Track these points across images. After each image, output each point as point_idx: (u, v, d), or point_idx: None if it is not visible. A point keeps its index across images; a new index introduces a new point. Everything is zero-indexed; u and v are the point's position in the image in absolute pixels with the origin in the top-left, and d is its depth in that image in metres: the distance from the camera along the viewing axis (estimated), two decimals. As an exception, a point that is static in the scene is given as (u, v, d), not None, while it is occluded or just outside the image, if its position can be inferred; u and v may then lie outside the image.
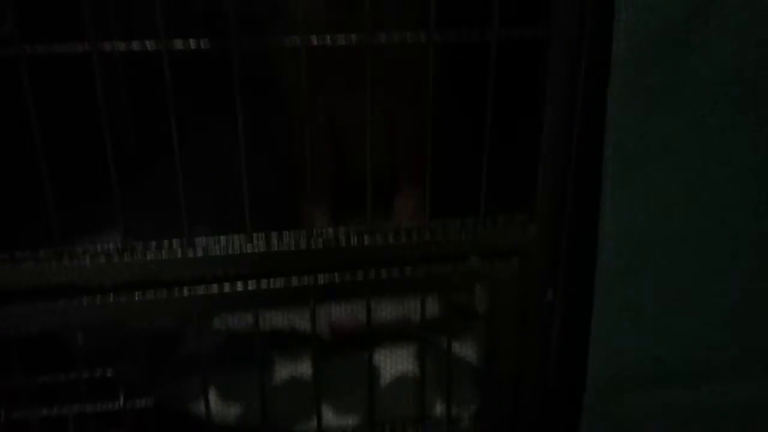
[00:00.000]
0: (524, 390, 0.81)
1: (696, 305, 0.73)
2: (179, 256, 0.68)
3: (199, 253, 0.68)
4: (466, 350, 0.94)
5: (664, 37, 0.62)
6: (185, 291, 0.69)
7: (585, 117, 0.68)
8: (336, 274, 0.71)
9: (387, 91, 0.74)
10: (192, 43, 0.59)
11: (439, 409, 0.88)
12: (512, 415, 0.82)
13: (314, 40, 0.61)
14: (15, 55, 0.57)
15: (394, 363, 0.93)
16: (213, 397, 0.87)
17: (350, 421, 0.88)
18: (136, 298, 0.68)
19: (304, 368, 0.92)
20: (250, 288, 0.70)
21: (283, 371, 0.92)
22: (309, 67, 0.63)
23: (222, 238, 0.68)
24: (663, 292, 0.72)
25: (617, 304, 0.71)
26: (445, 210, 0.72)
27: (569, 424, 0.80)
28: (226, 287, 0.70)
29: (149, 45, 0.58)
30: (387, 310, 0.96)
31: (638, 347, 0.74)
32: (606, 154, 0.66)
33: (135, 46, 0.58)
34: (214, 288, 0.69)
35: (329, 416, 0.87)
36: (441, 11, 0.62)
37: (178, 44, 0.59)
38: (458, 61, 0.72)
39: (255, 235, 0.69)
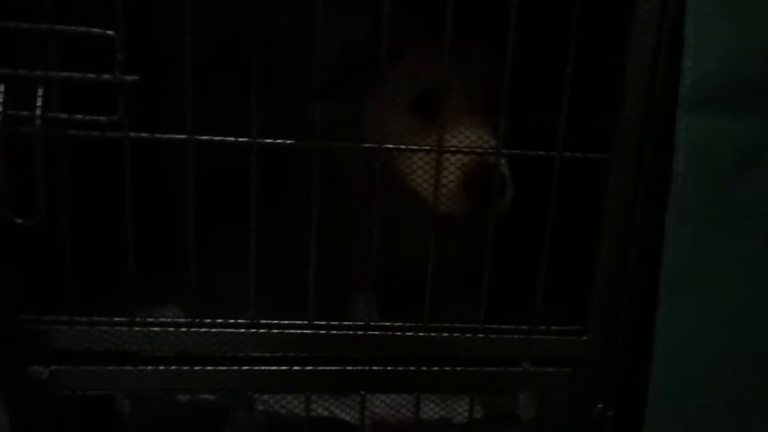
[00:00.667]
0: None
1: (747, 424, 0.72)
2: (243, 331, 0.71)
3: (262, 331, 0.71)
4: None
5: (722, 168, 0.65)
6: (243, 367, 0.72)
7: (642, 235, 0.70)
8: (388, 366, 0.73)
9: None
10: (279, 140, 0.64)
11: None
12: None
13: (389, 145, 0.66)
14: (120, 139, 0.63)
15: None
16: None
17: None
18: (197, 369, 0.71)
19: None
20: (304, 370, 0.73)
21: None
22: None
23: (284, 321, 0.71)
24: (714, 411, 0.71)
25: (668, 423, 0.71)
26: (500, 316, 0.74)
27: None
28: (282, 368, 0.72)
29: (242, 140, 0.63)
30: (430, 410, 0.96)
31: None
32: (662, 273, 0.67)
33: (229, 139, 0.64)
34: (272, 367, 0.72)
35: None
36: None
37: (267, 141, 0.64)
38: (523, 173, 0.75)
39: (315, 321, 0.72)
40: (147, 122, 0.66)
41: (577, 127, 0.68)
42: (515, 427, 0.98)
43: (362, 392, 0.74)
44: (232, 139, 0.65)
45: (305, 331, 0.72)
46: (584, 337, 0.74)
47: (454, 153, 0.74)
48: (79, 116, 0.62)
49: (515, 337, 0.73)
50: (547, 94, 0.70)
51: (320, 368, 0.73)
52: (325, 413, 0.98)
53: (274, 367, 0.72)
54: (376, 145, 0.67)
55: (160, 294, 1.03)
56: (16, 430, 0.67)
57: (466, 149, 0.74)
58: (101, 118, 0.62)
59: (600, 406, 0.75)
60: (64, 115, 0.62)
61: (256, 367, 0.72)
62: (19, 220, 0.63)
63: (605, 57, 0.69)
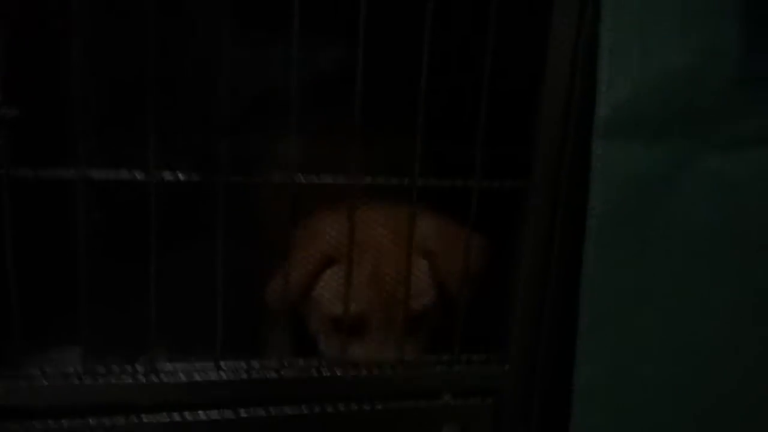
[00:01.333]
0: None
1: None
2: (142, 381, 0.65)
3: (164, 379, 0.65)
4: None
5: (639, 195, 0.65)
6: (144, 418, 0.66)
7: (561, 263, 0.69)
8: (303, 405, 0.69)
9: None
10: (181, 175, 0.59)
11: None
12: None
13: (302, 179, 0.62)
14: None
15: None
16: None
17: None
18: (92, 423, 0.65)
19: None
20: (212, 417, 0.68)
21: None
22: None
23: (186, 365, 0.66)
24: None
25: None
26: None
27: None
28: (187, 416, 0.67)
29: (138, 175, 0.58)
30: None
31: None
32: (580, 305, 0.67)
33: (124, 175, 0.58)
34: (175, 416, 0.67)
35: None
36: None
37: (168, 176, 0.59)
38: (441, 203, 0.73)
39: (222, 363, 0.67)
40: (35, 157, 0.60)
41: (495, 156, 0.67)
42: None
43: (276, 435, 0.70)
44: (128, 174, 0.59)
45: (211, 378, 0.67)
46: (505, 366, 0.73)
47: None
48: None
49: (437, 368, 0.71)
50: (462, 124, 0.69)
51: (226, 415, 0.68)
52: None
53: (177, 417, 0.67)
54: (288, 180, 0.63)
55: (59, 335, 0.96)
56: None
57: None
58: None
59: (521, 434, 0.74)
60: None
61: (158, 418, 0.67)
62: None
63: (520, 86, 0.68)
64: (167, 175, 0.59)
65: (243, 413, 0.68)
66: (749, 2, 0.62)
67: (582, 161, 0.65)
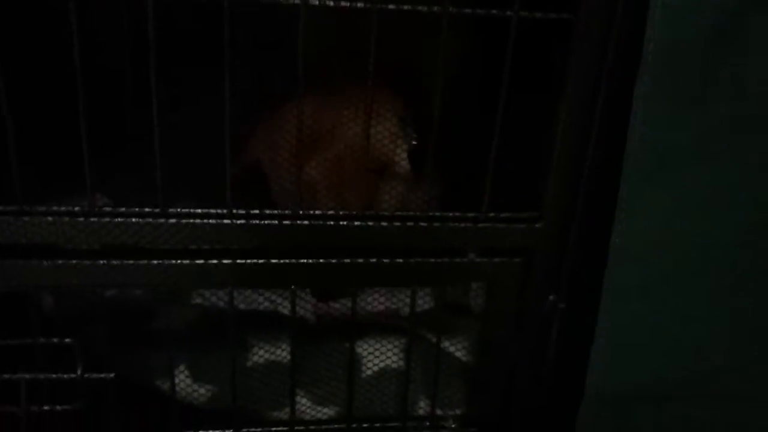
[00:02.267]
0: (515, 395, 0.76)
1: (705, 321, 0.68)
2: (153, 222, 0.62)
3: (179, 222, 0.62)
4: (457, 348, 0.89)
5: (698, 36, 0.56)
6: (157, 261, 0.64)
7: (606, 114, 0.62)
8: (321, 258, 0.66)
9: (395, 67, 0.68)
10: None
11: (422, 406, 0.83)
12: (500, 420, 0.78)
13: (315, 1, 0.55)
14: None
15: (379, 355, 0.88)
16: (184, 375, 0.82)
17: (327, 411, 0.83)
18: (103, 263, 0.63)
19: (283, 353, 0.87)
20: (226, 263, 0.65)
21: (260, 354, 0.87)
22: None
23: (201, 210, 0.63)
24: (672, 305, 0.66)
25: (623, 316, 0.66)
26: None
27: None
28: (203, 261, 0.64)
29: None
30: (374, 300, 0.91)
31: (641, 361, 0.69)
32: (627, 157, 0.60)
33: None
34: (191, 261, 0.64)
35: (305, 405, 0.83)
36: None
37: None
38: (474, 38, 0.65)
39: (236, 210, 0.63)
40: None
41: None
42: (465, 318, 0.94)
43: (292, 287, 0.67)
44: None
45: (225, 221, 0.63)
46: (537, 225, 0.67)
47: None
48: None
49: (462, 225, 0.66)
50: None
51: (245, 261, 0.65)
52: (267, 306, 0.92)
53: (198, 261, 0.64)
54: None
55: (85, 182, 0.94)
56: None
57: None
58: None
59: (551, 297, 0.70)
60: None
61: (172, 262, 0.64)
62: None
63: None
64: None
65: (254, 261, 0.65)
66: None
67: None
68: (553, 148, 0.64)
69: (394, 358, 0.89)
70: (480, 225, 0.66)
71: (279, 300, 0.92)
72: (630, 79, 0.59)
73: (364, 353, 0.88)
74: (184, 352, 0.77)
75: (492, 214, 0.66)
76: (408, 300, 0.93)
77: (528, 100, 0.65)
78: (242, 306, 0.90)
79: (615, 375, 0.69)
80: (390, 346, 0.90)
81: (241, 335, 0.89)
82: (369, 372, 0.87)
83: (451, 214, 0.66)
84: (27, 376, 0.66)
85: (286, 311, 0.89)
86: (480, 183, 0.65)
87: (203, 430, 0.74)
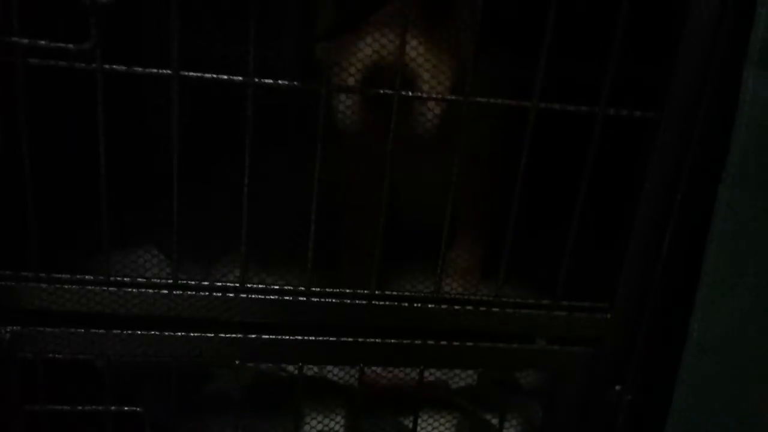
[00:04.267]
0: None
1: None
2: (231, 296, 0.63)
3: (252, 295, 0.63)
4: (511, 424, 0.88)
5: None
6: (229, 334, 0.64)
7: (685, 208, 0.62)
8: (391, 338, 0.66)
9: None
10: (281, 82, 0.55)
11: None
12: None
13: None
14: (92, 71, 0.54)
15: (431, 430, 0.87)
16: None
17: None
18: (177, 335, 0.64)
19: (335, 424, 0.87)
20: (298, 339, 0.65)
21: (313, 425, 0.86)
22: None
23: (278, 287, 0.64)
24: (746, 407, 0.65)
25: (696, 414, 0.65)
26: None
27: None
28: (273, 336, 0.65)
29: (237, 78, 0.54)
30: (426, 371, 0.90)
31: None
32: (706, 255, 0.60)
33: (222, 77, 0.54)
34: (262, 335, 0.65)
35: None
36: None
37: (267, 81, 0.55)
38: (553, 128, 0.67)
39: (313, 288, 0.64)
40: (125, 52, 0.56)
41: (622, 79, 0.59)
42: (517, 394, 0.93)
43: (361, 365, 0.67)
44: (225, 77, 0.55)
45: (301, 299, 0.64)
46: (608, 316, 0.67)
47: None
48: (43, 42, 0.52)
49: (534, 312, 0.66)
50: (585, 40, 0.61)
51: (316, 338, 0.65)
52: (316, 372, 0.92)
53: (265, 336, 0.65)
54: (391, 92, 0.58)
55: (136, 233, 0.95)
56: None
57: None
58: (70, 45, 0.52)
59: (618, 388, 0.69)
60: (25, 41, 0.52)
61: (244, 335, 0.65)
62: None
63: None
64: (266, 81, 0.54)
65: (331, 339, 0.66)
66: None
67: (726, 94, 0.57)
68: (628, 240, 0.65)
69: None
70: (552, 313, 0.66)
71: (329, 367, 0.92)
72: (712, 176, 0.60)
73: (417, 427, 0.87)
74: (237, 418, 0.77)
75: (565, 303, 0.66)
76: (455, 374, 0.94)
77: (605, 191, 0.66)
78: (291, 368, 0.91)
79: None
80: (443, 421, 0.89)
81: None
82: (421, 447, 0.86)
83: (523, 301, 0.66)
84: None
85: (332, 378, 0.89)
86: (553, 271, 0.66)
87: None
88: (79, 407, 0.66)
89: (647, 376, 0.68)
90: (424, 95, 0.59)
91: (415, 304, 0.65)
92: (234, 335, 0.64)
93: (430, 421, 0.89)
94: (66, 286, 0.61)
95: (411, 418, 0.80)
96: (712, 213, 0.59)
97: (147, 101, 0.96)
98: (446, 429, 0.89)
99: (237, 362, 0.69)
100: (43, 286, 0.61)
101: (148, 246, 1.02)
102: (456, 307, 0.66)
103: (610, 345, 0.68)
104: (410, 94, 0.58)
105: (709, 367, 0.64)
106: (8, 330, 0.61)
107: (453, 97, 0.59)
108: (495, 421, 0.88)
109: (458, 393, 0.93)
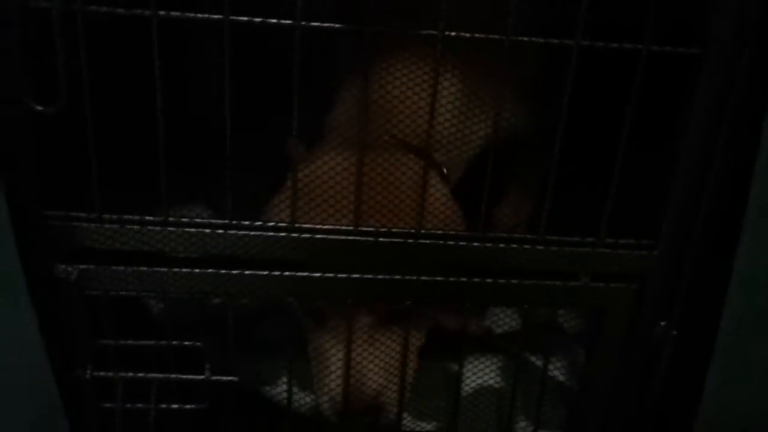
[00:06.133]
0: (617, 422, 0.76)
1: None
2: (282, 235, 0.66)
3: (303, 234, 0.66)
4: (555, 367, 0.90)
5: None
6: (284, 272, 0.67)
7: (730, 144, 0.62)
8: (437, 276, 0.68)
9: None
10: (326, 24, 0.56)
11: (522, 426, 0.85)
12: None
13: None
14: (149, 18, 0.56)
15: (477, 373, 0.90)
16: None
17: (427, 427, 0.85)
18: (233, 273, 0.67)
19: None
20: (347, 277, 0.68)
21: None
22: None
23: (329, 226, 0.66)
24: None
25: (741, 351, 0.65)
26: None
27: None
28: (323, 275, 0.68)
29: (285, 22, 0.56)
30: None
31: (759, 393, 0.68)
32: (753, 188, 0.60)
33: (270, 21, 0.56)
34: (313, 273, 0.67)
35: (407, 419, 0.85)
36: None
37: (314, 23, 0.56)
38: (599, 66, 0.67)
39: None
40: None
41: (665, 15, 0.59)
42: (561, 338, 0.95)
43: (408, 302, 0.69)
44: (274, 21, 0.57)
45: (350, 237, 0.66)
46: (653, 252, 0.68)
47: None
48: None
49: (579, 250, 0.67)
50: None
51: (364, 276, 0.68)
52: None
53: (316, 274, 0.67)
54: (435, 32, 0.59)
55: (187, 191, 0.99)
56: (43, 332, 0.63)
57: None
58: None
59: (663, 323, 0.70)
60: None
61: (295, 273, 0.67)
62: (40, 108, 0.57)
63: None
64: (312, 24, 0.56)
65: (378, 277, 0.68)
66: None
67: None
68: (674, 176, 0.65)
69: (492, 375, 0.91)
70: (596, 250, 0.67)
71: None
72: (757, 109, 0.59)
73: (463, 371, 0.90)
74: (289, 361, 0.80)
75: (609, 240, 0.67)
76: (497, 318, 0.96)
77: (649, 127, 0.66)
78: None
79: (729, 406, 0.69)
80: (488, 363, 0.91)
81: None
82: (468, 390, 0.89)
83: (567, 238, 0.67)
84: (159, 375, 0.70)
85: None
86: (598, 208, 0.66)
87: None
88: (143, 341, 0.69)
89: (692, 311, 0.69)
90: (467, 35, 0.59)
91: (460, 243, 0.67)
92: (286, 273, 0.67)
93: (476, 363, 0.91)
94: (128, 227, 0.64)
95: (456, 362, 0.83)
96: (758, 147, 0.59)
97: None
98: (491, 372, 0.91)
99: (290, 299, 0.72)
100: (107, 226, 0.64)
101: (198, 205, 1.06)
102: (500, 245, 0.67)
103: (655, 281, 0.69)
104: (453, 34, 0.59)
105: (755, 300, 0.64)
106: (76, 268, 0.65)
107: (496, 36, 0.59)
108: (539, 363, 0.90)
109: (502, 337, 0.96)
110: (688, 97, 0.62)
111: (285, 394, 0.77)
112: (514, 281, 0.69)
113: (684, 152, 0.64)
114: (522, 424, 0.84)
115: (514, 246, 0.67)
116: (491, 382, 0.90)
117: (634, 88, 0.60)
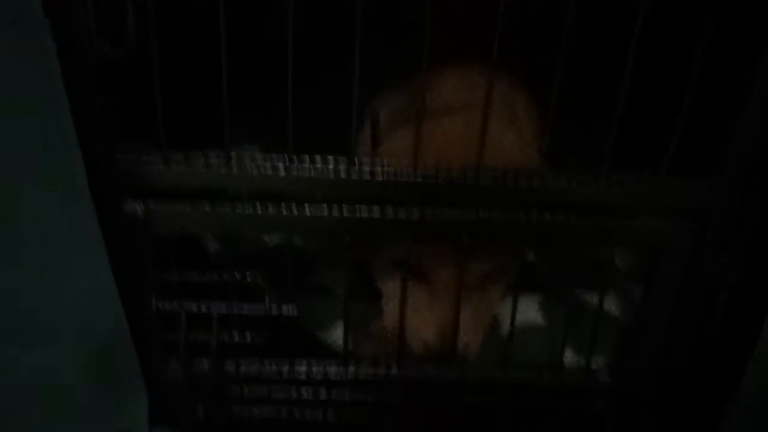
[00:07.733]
0: (672, 361, 0.76)
1: None
2: (342, 176, 0.67)
3: (365, 176, 0.66)
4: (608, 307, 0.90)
5: None
6: (345, 211, 0.68)
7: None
8: (495, 212, 0.68)
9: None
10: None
11: (569, 357, 0.85)
12: (653, 385, 0.79)
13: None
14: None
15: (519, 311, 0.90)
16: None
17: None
18: (293, 213, 0.68)
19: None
20: (405, 216, 0.68)
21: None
22: None
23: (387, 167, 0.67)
24: None
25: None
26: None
27: (715, 403, 0.76)
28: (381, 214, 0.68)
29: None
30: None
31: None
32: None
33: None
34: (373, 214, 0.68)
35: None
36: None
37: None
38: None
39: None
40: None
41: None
42: (616, 275, 0.94)
43: (465, 238, 0.70)
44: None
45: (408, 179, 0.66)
46: (715, 189, 0.67)
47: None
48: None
49: (638, 186, 0.66)
50: None
51: (421, 214, 0.68)
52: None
53: (375, 215, 0.68)
54: None
55: (239, 133, 0.99)
56: (112, 263, 0.67)
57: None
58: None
59: (723, 261, 0.70)
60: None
61: (355, 214, 0.68)
62: (108, 50, 0.58)
63: None
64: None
65: (433, 214, 0.68)
66: None
67: None
68: (737, 112, 0.63)
69: (533, 312, 0.92)
70: (657, 186, 0.66)
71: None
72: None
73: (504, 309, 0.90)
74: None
75: (669, 176, 0.66)
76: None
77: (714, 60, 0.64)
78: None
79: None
80: (529, 302, 0.92)
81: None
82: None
83: (629, 175, 0.66)
84: (221, 305, 0.73)
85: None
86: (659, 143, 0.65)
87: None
88: (206, 276, 0.72)
89: (753, 251, 0.68)
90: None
91: (520, 182, 0.67)
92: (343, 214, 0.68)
93: (529, 302, 0.92)
94: (192, 165, 0.66)
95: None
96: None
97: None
98: (543, 311, 0.91)
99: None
100: (172, 165, 0.65)
101: (251, 146, 1.07)
102: (549, 182, 0.67)
103: (716, 218, 0.68)
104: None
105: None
106: (141, 206, 0.67)
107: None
108: (585, 299, 0.90)
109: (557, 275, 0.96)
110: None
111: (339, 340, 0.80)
112: (574, 218, 0.68)
113: (749, 87, 0.62)
114: (570, 356, 0.84)
115: (575, 182, 0.66)
116: (532, 318, 0.90)
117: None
